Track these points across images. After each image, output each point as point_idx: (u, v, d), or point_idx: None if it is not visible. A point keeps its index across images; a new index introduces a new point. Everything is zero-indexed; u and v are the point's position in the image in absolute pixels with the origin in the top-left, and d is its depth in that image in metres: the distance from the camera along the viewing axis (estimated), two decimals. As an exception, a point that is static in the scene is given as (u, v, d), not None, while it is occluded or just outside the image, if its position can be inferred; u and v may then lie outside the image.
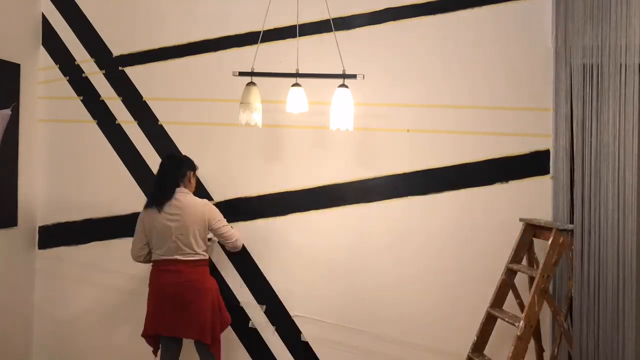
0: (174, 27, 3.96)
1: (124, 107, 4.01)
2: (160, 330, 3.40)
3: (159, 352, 3.52)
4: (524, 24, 3.72)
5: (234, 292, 3.91)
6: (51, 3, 4.04)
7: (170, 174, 3.45)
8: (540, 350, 3.50)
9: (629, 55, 3.12)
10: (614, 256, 3.14)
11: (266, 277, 3.89)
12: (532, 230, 3.51)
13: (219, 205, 3.88)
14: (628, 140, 3.13)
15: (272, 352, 3.88)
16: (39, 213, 4.04)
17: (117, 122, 4.01)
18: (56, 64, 4.05)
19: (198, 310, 3.36)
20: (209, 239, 3.59)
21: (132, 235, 3.52)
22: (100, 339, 3.99)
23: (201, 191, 3.91)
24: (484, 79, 3.75)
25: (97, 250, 3.98)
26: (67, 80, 4.04)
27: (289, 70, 3.37)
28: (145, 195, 3.59)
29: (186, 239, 3.37)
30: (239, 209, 3.89)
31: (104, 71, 4.02)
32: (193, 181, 3.58)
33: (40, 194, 4.02)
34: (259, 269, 3.89)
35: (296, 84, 3.29)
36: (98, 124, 4.02)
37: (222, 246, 3.90)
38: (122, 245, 3.80)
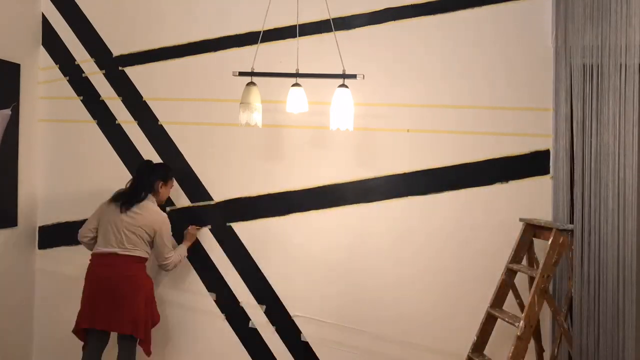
0: (174, 27, 3.96)
1: (124, 107, 4.01)
2: (94, 324, 3.43)
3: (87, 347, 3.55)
4: (524, 24, 3.72)
5: (234, 292, 3.91)
6: (51, 3, 4.04)
7: (145, 180, 3.57)
8: (540, 350, 3.50)
9: (629, 55, 3.12)
10: (614, 256, 3.14)
11: (266, 277, 3.89)
12: (532, 230, 3.51)
13: (218, 205, 3.89)
14: (628, 140, 3.13)
15: (272, 352, 3.88)
16: (39, 213, 4.04)
17: (117, 122, 4.01)
18: (56, 64, 4.05)
19: (132, 304, 3.42)
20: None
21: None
22: (100, 339, 3.99)
23: (201, 191, 3.92)
24: (484, 79, 3.75)
25: (97, 250, 3.98)
26: (67, 80, 4.04)
27: (289, 70, 3.37)
28: (118, 192, 3.62)
29: (132, 236, 3.47)
30: (239, 209, 3.90)
31: (104, 71, 4.03)
32: (162, 191, 3.65)
33: (40, 194, 4.02)
34: (259, 269, 3.89)
35: (296, 84, 3.29)
36: (98, 124, 4.03)
37: (223, 247, 3.91)
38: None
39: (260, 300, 3.90)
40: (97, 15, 4.02)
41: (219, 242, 3.91)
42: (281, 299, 3.88)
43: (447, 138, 3.77)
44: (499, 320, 3.44)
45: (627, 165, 3.13)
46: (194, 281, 3.93)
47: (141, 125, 3.99)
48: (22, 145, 3.87)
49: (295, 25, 3.51)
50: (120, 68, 4.01)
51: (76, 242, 3.71)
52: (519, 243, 3.49)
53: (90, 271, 3.53)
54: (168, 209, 3.91)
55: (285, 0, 3.59)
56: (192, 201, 3.94)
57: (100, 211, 3.59)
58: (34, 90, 3.99)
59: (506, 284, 3.49)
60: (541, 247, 3.51)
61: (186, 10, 3.96)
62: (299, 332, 3.86)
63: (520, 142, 3.71)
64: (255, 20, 3.74)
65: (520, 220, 3.55)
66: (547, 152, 3.69)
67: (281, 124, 3.84)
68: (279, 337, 3.88)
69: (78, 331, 3.52)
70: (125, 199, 3.52)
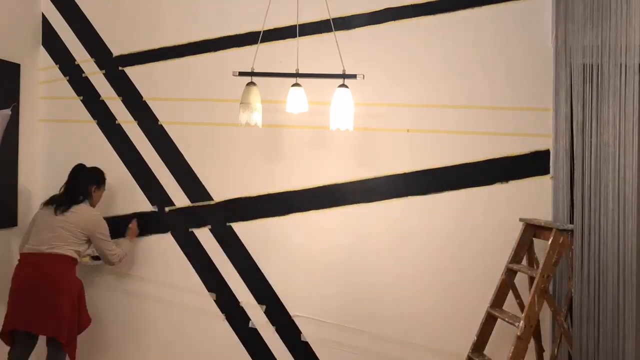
0: (174, 27, 3.96)
1: (124, 107, 4.01)
2: (16, 325, 3.32)
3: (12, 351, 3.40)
4: (524, 24, 3.72)
5: (234, 292, 3.91)
6: (51, 3, 4.04)
7: (80, 184, 3.57)
8: (540, 350, 3.50)
9: (629, 55, 3.12)
10: (614, 256, 3.14)
11: (266, 277, 3.89)
12: (532, 230, 3.51)
13: (218, 205, 3.89)
14: (628, 140, 3.13)
15: (272, 352, 3.88)
16: (39, 213, 4.04)
17: (117, 122, 4.01)
18: (56, 64, 4.05)
19: (54, 306, 3.31)
20: (90, 257, 3.73)
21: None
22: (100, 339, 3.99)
23: (201, 191, 3.92)
24: (483, 79, 3.75)
25: (97, 250, 3.98)
26: (67, 80, 4.04)
27: (289, 70, 3.36)
28: (52, 196, 3.61)
29: (65, 233, 3.43)
30: (239, 209, 3.89)
31: (104, 71, 4.03)
32: (95, 195, 3.66)
33: (40, 194, 4.02)
34: (259, 269, 3.89)
35: (296, 84, 3.29)
36: (98, 124, 4.03)
37: (223, 247, 3.91)
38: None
39: (260, 300, 3.90)
40: (97, 15, 4.02)
41: (219, 242, 3.91)
42: (281, 299, 3.88)
43: (447, 138, 3.77)
44: (499, 320, 3.44)
45: (627, 165, 3.13)
46: (194, 281, 3.93)
47: (141, 125, 3.99)
48: (22, 145, 3.87)
49: (295, 25, 3.52)
50: (120, 68, 4.01)
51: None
52: (519, 243, 3.49)
53: (16, 271, 3.44)
54: (167, 209, 3.91)
55: (285, 0, 3.59)
56: (192, 201, 3.94)
57: (34, 218, 3.58)
58: (34, 90, 3.99)
59: (506, 284, 3.49)
60: (541, 247, 3.51)
61: (186, 10, 3.96)
62: (299, 332, 3.86)
63: (520, 142, 3.71)
64: (255, 20, 3.74)
65: (520, 220, 3.55)
66: (547, 152, 3.69)
67: (281, 124, 3.84)
68: (279, 337, 3.88)
69: (5, 334, 3.38)
70: (60, 202, 3.50)
